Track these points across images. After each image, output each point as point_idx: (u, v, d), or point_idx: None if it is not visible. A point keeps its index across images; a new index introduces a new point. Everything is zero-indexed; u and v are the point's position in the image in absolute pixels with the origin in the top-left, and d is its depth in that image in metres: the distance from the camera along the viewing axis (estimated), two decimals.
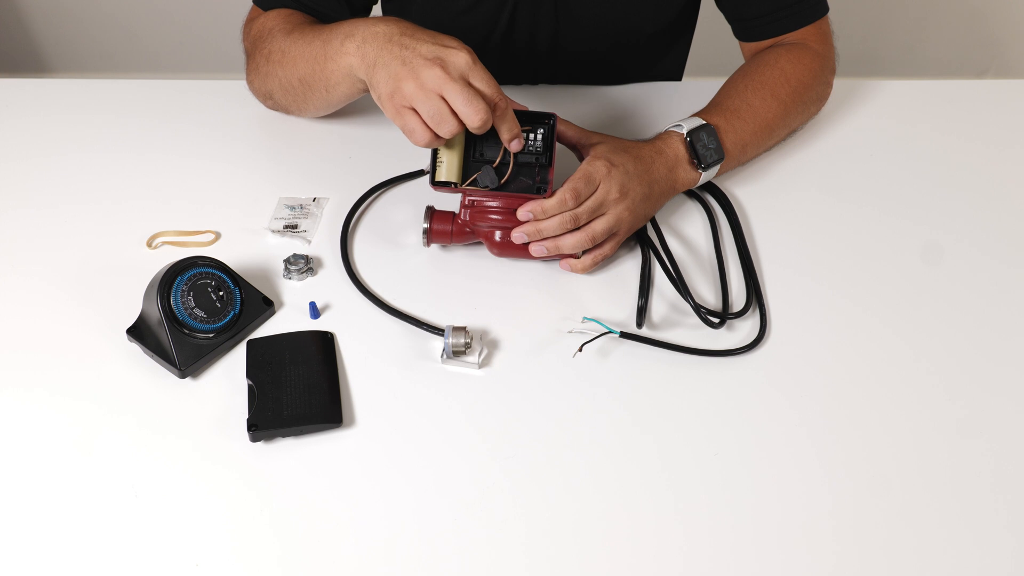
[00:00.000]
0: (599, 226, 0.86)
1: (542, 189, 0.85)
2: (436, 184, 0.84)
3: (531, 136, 0.84)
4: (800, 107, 1.02)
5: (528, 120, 0.84)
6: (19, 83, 1.13)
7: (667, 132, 0.93)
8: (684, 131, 0.92)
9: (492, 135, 0.82)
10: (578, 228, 0.85)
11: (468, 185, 0.84)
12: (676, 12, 1.12)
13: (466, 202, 0.87)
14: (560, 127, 0.87)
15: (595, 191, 0.85)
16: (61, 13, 2.29)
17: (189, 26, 2.30)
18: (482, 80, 0.78)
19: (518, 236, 0.85)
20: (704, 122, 0.93)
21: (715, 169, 0.94)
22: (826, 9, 1.04)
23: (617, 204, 0.86)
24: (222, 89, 1.11)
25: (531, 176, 0.85)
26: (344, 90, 0.90)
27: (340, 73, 0.87)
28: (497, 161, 0.84)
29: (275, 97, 1.00)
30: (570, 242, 0.86)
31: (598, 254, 0.88)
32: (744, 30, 1.06)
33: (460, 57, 0.78)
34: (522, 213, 0.84)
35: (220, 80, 1.13)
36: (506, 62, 1.13)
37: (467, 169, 0.84)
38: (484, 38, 1.10)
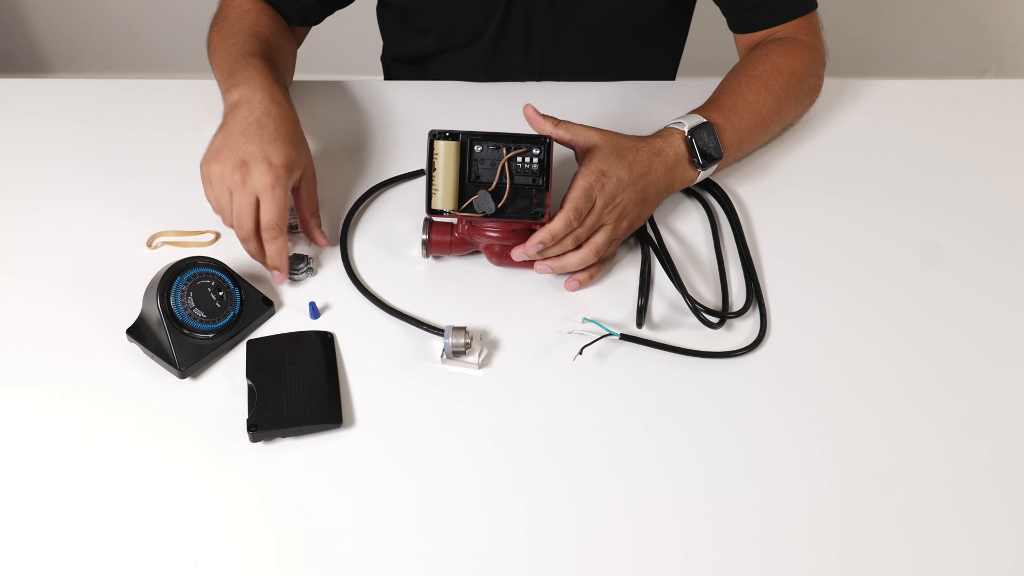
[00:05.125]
0: (600, 239, 0.86)
1: (539, 213, 0.83)
2: (432, 212, 0.83)
3: (527, 159, 0.83)
4: (793, 100, 1.02)
5: (523, 141, 0.83)
6: (19, 83, 1.13)
7: (668, 129, 0.93)
8: (685, 129, 0.92)
9: (487, 157, 0.82)
10: (580, 246, 0.86)
11: (464, 210, 0.83)
12: None
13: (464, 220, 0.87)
14: (557, 132, 0.87)
15: (592, 206, 0.85)
16: (61, 13, 2.29)
17: (190, 26, 2.29)
18: (268, 209, 0.83)
19: (518, 255, 0.85)
20: (704, 120, 0.93)
21: (713, 167, 0.94)
22: (815, 4, 1.06)
23: (612, 213, 0.86)
24: None
25: (528, 199, 0.84)
26: None
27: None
28: (493, 184, 0.83)
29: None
30: (575, 260, 0.86)
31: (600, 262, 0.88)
32: (737, 22, 1.09)
33: (264, 178, 0.82)
34: (531, 250, 0.83)
35: None
36: (503, 47, 1.13)
37: (463, 191, 0.83)
38: (482, 23, 1.11)
